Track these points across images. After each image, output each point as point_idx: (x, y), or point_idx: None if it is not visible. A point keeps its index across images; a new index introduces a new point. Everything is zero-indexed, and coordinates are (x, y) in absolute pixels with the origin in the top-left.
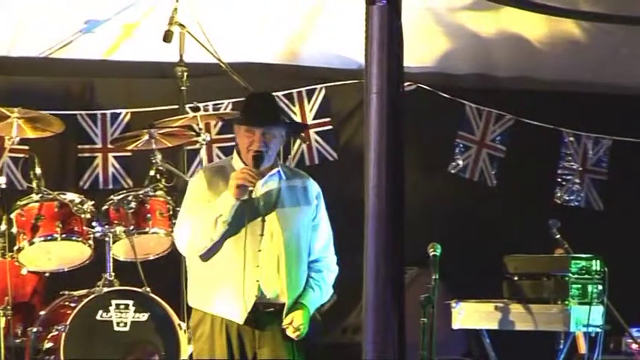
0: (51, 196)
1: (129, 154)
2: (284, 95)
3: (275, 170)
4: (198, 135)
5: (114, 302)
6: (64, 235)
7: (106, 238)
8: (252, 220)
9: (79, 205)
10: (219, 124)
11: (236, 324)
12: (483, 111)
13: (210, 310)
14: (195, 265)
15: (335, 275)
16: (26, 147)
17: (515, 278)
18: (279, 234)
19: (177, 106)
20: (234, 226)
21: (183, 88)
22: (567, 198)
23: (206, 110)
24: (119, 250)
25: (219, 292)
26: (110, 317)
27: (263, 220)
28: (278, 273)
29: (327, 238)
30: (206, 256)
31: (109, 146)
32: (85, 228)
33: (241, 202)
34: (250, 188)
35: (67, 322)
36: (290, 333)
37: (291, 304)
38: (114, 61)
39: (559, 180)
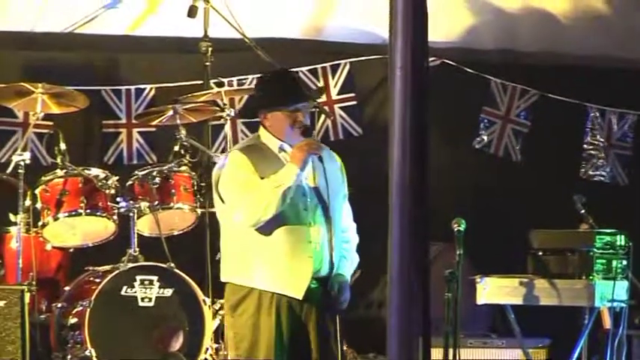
0: (75, 172)
1: (153, 129)
2: (308, 70)
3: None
4: (222, 110)
5: (138, 278)
6: (88, 211)
7: (131, 214)
8: (298, 195)
9: (104, 181)
10: (244, 99)
11: (286, 299)
12: (508, 86)
13: (261, 286)
14: (243, 240)
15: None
16: (50, 122)
17: (540, 253)
18: (326, 208)
19: (201, 82)
20: (288, 207)
21: (207, 63)
22: (592, 173)
23: (230, 85)
24: (144, 226)
25: (273, 268)
26: (135, 293)
27: (311, 195)
28: (328, 247)
29: (348, 208)
30: (266, 228)
31: (134, 121)
32: (109, 203)
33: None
34: (319, 155)
35: (92, 298)
36: (339, 305)
37: (334, 274)
38: (138, 36)
39: (584, 155)
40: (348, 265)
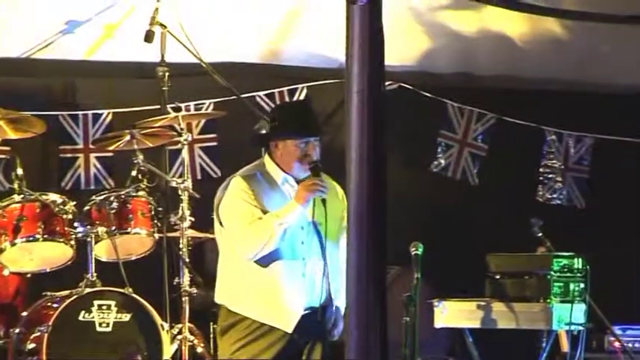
0: (33, 197)
1: (111, 154)
2: (265, 95)
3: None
4: (179, 135)
5: (96, 303)
6: (45, 236)
7: (88, 239)
8: (297, 227)
9: (61, 206)
10: (201, 124)
11: (278, 330)
12: (465, 110)
13: (252, 316)
14: (239, 268)
15: None
16: (8, 148)
17: (498, 277)
18: (323, 242)
19: (158, 106)
20: (285, 241)
21: (164, 88)
22: (549, 196)
23: (187, 110)
24: (101, 251)
25: (266, 300)
26: (92, 318)
27: (309, 227)
28: (324, 280)
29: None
30: (262, 260)
31: (91, 146)
32: (66, 228)
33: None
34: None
35: (50, 323)
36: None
37: (329, 307)
38: (95, 61)
39: (541, 178)
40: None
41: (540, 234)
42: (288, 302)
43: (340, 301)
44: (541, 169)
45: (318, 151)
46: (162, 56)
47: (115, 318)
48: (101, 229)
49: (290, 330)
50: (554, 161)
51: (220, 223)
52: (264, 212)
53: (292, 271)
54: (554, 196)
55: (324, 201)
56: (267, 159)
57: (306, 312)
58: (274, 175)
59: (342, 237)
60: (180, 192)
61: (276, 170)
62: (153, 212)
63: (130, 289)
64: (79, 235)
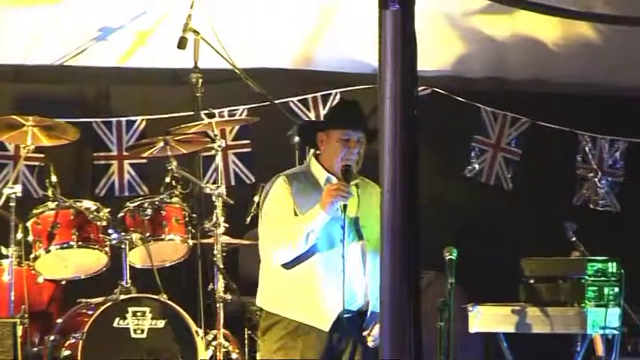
0: (67, 204)
1: (144, 161)
2: (299, 101)
3: (357, 180)
4: (213, 141)
5: (131, 309)
6: (80, 243)
7: (122, 246)
8: (334, 226)
9: (95, 213)
10: (235, 130)
11: (316, 329)
12: (499, 114)
13: (290, 316)
14: (277, 268)
15: None
16: (42, 155)
17: (532, 281)
18: (362, 243)
19: (192, 113)
20: (323, 239)
21: (198, 94)
22: (584, 200)
23: (221, 116)
24: (135, 257)
25: (303, 298)
26: (127, 324)
27: (346, 227)
28: (362, 281)
29: None
30: (290, 265)
31: (125, 153)
32: (101, 235)
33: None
34: (343, 203)
35: (85, 330)
36: (369, 342)
37: (370, 312)
38: (128, 68)
39: (575, 182)
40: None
41: (574, 238)
42: (325, 302)
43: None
44: (575, 173)
45: (360, 151)
46: (196, 63)
47: (150, 324)
48: (135, 236)
49: (327, 329)
50: (589, 165)
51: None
52: (299, 214)
53: (330, 268)
54: (589, 200)
55: (359, 200)
56: (312, 160)
57: (346, 315)
58: (317, 175)
59: (378, 243)
60: (214, 198)
61: (320, 170)
62: (187, 219)
63: (165, 296)
64: (113, 241)
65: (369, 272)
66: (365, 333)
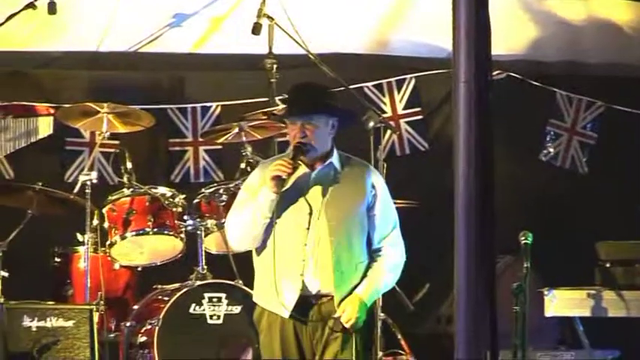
0: (142, 191)
1: (219, 147)
2: (374, 86)
3: (328, 161)
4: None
5: (207, 295)
6: (155, 229)
7: (198, 232)
8: (296, 212)
9: (171, 199)
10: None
11: (291, 320)
12: (574, 98)
13: (263, 305)
14: (255, 259)
15: (397, 262)
16: (117, 142)
17: (608, 265)
18: (327, 226)
19: (267, 99)
20: (285, 223)
21: (272, 80)
22: None
23: None
24: (211, 243)
25: (268, 286)
26: (203, 310)
27: (310, 213)
28: (327, 266)
29: (388, 226)
30: (259, 250)
31: (200, 139)
32: (176, 222)
33: (286, 194)
34: (284, 178)
35: (161, 316)
36: (343, 323)
37: (345, 295)
38: (203, 54)
39: None
40: (370, 284)
41: None
42: (284, 287)
43: (362, 289)
44: None
45: (309, 134)
46: (270, 48)
47: (226, 310)
48: (211, 222)
49: (287, 315)
50: None
51: None
52: None
53: (292, 254)
54: None
55: (338, 184)
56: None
57: (310, 296)
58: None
59: (354, 228)
60: None
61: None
62: None
63: (241, 282)
64: (189, 228)
65: (332, 258)
66: (335, 316)
